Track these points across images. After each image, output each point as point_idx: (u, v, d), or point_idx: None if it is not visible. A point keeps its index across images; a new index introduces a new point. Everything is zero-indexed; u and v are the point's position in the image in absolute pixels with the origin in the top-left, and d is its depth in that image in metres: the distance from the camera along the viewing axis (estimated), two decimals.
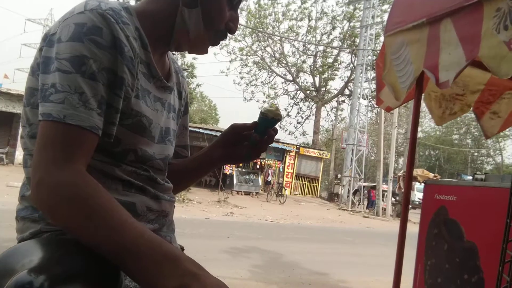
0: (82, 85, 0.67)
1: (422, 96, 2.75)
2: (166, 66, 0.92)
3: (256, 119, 0.94)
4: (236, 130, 0.98)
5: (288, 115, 30.67)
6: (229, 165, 17.51)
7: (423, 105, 2.82)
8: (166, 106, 0.89)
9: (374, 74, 22.99)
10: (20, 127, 0.80)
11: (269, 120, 0.90)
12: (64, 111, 0.65)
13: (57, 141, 0.65)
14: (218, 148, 1.01)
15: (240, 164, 18.60)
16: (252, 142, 0.94)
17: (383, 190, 18.71)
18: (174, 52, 1.00)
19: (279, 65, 28.89)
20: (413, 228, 2.69)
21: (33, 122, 0.75)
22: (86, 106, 0.67)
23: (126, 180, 0.79)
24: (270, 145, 0.96)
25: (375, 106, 25.97)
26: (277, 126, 0.95)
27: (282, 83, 29.94)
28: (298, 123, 30.58)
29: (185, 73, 26.87)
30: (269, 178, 19.49)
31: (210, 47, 0.91)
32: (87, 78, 0.67)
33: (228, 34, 0.90)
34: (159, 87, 0.86)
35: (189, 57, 27.45)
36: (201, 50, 0.91)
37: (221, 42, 0.91)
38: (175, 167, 1.02)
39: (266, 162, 19.41)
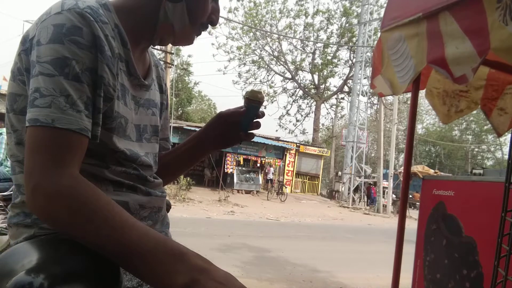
0: (67, 87, 0.66)
1: (424, 93, 2.73)
2: (146, 61, 0.92)
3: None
4: (225, 118, 0.98)
5: (287, 113, 30.68)
6: (229, 164, 17.55)
7: (423, 102, 2.80)
8: (143, 103, 0.89)
9: None
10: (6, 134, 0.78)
11: (256, 105, 0.93)
12: (52, 115, 0.64)
13: (48, 146, 0.64)
14: (208, 137, 1.01)
15: (241, 163, 18.64)
16: (244, 129, 0.96)
17: (383, 187, 18.72)
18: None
19: (278, 63, 28.87)
20: (414, 225, 2.69)
21: (17, 128, 0.74)
22: (73, 108, 0.66)
23: (116, 180, 0.79)
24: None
25: (375, 103, 26.00)
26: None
27: (281, 81, 29.96)
28: (298, 120, 30.60)
29: (182, 72, 26.88)
30: (270, 176, 19.45)
31: (195, 37, 0.90)
32: (72, 79, 0.66)
33: (211, 26, 0.91)
34: (135, 85, 0.85)
35: (185, 56, 27.47)
36: (187, 42, 0.90)
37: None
38: (165, 160, 1.02)
39: (266, 160, 19.42)
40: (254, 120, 0.95)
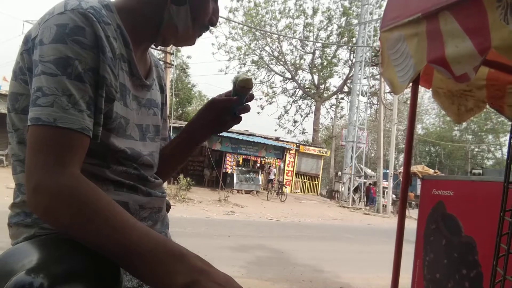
0: (70, 87, 0.66)
1: (423, 92, 2.73)
2: (147, 62, 0.93)
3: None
4: (217, 104, 0.99)
5: (286, 112, 30.68)
6: (229, 164, 17.55)
7: (423, 102, 2.79)
8: (144, 103, 0.89)
9: (373, 71, 22.98)
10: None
11: (247, 92, 0.96)
12: (54, 114, 0.64)
13: (50, 145, 0.64)
14: (202, 124, 1.02)
15: (241, 163, 18.63)
16: (235, 113, 1.00)
17: (383, 187, 18.72)
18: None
19: (278, 63, 28.87)
20: (414, 225, 2.70)
21: (19, 128, 0.75)
22: (75, 108, 0.66)
23: (117, 180, 0.79)
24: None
25: (374, 103, 26.00)
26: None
27: (281, 81, 29.96)
28: (295, 122, 30.60)
29: (181, 73, 26.81)
30: (271, 176, 19.38)
31: (197, 38, 0.92)
32: (74, 79, 0.67)
33: (211, 27, 0.92)
34: (137, 86, 0.86)
35: (184, 57, 27.44)
36: (189, 42, 0.92)
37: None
38: (161, 154, 1.02)
39: (266, 160, 19.41)
40: (245, 104, 0.99)
